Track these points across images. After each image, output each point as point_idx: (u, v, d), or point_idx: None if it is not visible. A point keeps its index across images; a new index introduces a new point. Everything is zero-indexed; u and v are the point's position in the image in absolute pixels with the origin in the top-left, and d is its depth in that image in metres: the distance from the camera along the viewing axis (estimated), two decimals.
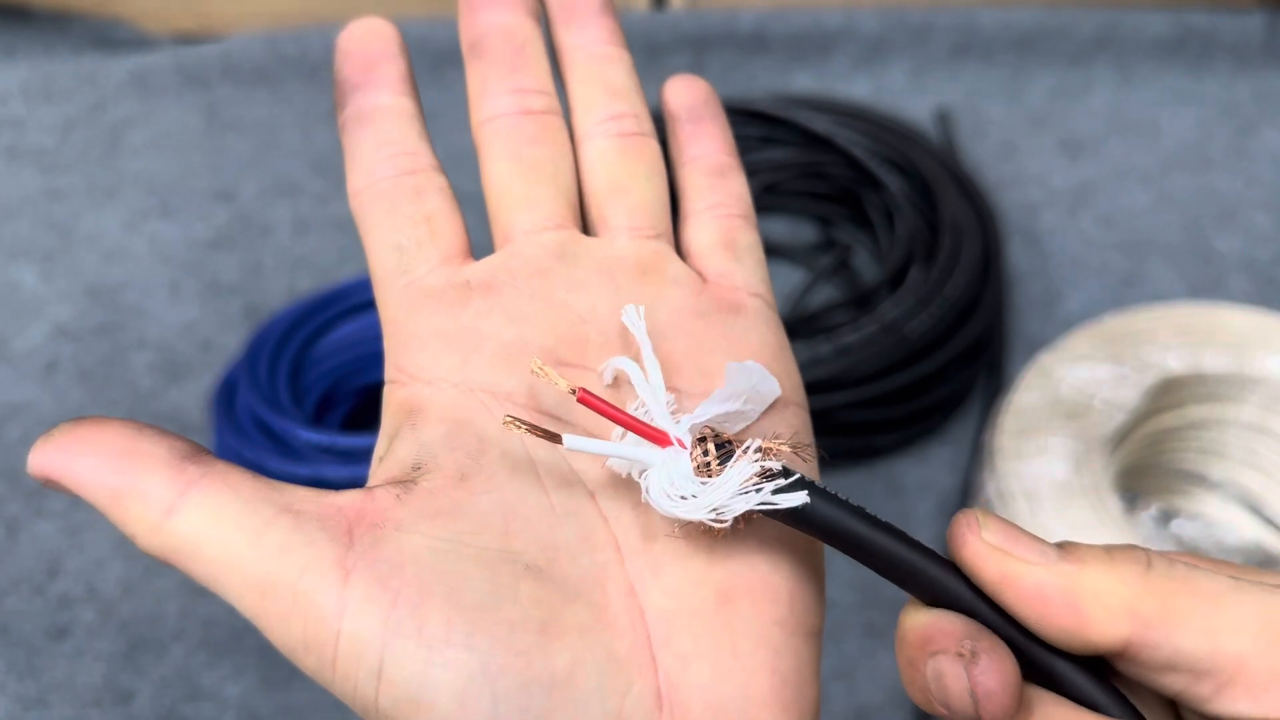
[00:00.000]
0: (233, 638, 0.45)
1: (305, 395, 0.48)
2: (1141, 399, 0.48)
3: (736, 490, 0.21)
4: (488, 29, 0.28)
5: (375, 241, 0.25)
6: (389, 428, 0.23)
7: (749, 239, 0.28)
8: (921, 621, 0.21)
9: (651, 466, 0.22)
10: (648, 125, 0.28)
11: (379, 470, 0.23)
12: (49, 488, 0.21)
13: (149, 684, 0.44)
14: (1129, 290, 0.58)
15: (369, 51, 0.27)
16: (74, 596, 0.47)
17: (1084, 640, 0.20)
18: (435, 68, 0.65)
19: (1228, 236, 0.61)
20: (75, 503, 0.49)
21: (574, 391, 0.22)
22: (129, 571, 0.47)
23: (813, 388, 0.49)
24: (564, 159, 0.27)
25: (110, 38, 0.72)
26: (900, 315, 0.51)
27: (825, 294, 0.58)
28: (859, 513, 0.21)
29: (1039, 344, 0.53)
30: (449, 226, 0.25)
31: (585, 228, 0.27)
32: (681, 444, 0.22)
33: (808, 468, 0.23)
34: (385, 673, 0.20)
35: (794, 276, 0.59)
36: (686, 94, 0.29)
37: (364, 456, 0.43)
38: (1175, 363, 0.49)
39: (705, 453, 0.22)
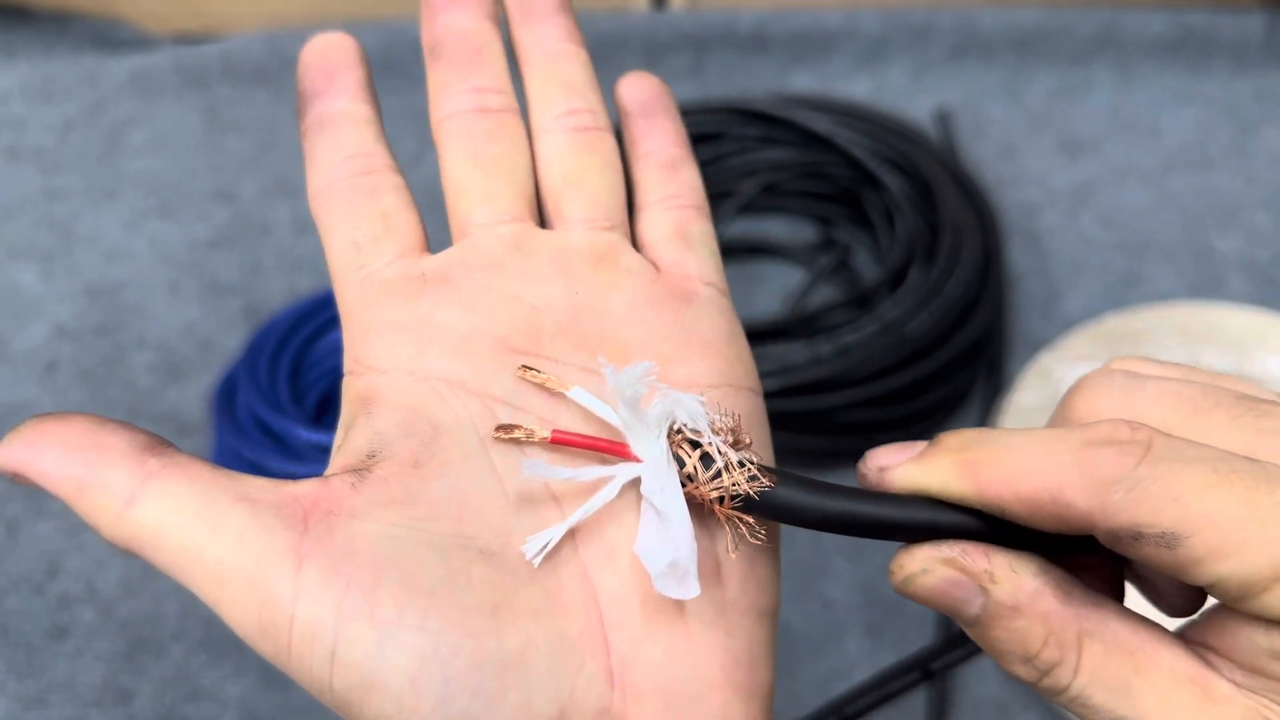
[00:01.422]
0: (233, 637, 0.45)
1: (305, 395, 0.48)
2: None
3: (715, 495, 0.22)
4: (446, 32, 0.28)
5: (333, 239, 0.26)
6: (346, 417, 0.24)
7: (701, 228, 0.28)
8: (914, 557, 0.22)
9: (639, 473, 0.22)
10: (604, 120, 0.29)
11: (336, 459, 0.23)
12: (17, 483, 0.22)
13: (149, 684, 0.44)
14: (1129, 290, 0.58)
15: (328, 63, 0.28)
16: (74, 596, 0.47)
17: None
18: None
19: (1228, 236, 0.61)
20: None
21: (547, 434, 0.23)
22: (129, 571, 0.47)
23: (813, 388, 0.49)
24: (520, 155, 0.27)
25: (110, 38, 0.72)
26: (900, 315, 0.51)
27: (825, 294, 0.58)
28: (820, 489, 0.22)
29: (1039, 344, 0.53)
30: (404, 222, 0.26)
31: (542, 222, 0.27)
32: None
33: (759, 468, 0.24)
34: (339, 655, 0.20)
35: (794, 276, 0.59)
36: (639, 90, 0.30)
37: None
38: None
39: (682, 462, 0.22)
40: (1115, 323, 0.51)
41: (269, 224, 0.62)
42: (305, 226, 0.62)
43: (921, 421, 0.51)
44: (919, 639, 0.45)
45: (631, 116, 0.30)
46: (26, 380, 0.55)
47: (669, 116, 0.30)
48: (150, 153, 0.66)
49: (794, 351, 0.50)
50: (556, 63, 0.29)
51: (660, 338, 0.25)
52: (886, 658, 0.45)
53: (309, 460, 0.43)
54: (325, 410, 0.49)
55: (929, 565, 0.21)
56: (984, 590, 0.21)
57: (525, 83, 0.29)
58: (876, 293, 0.54)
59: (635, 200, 0.29)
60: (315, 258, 0.60)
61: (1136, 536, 0.19)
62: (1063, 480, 0.20)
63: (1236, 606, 0.20)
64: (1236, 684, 0.20)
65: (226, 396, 0.47)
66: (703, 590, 0.22)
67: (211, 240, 0.61)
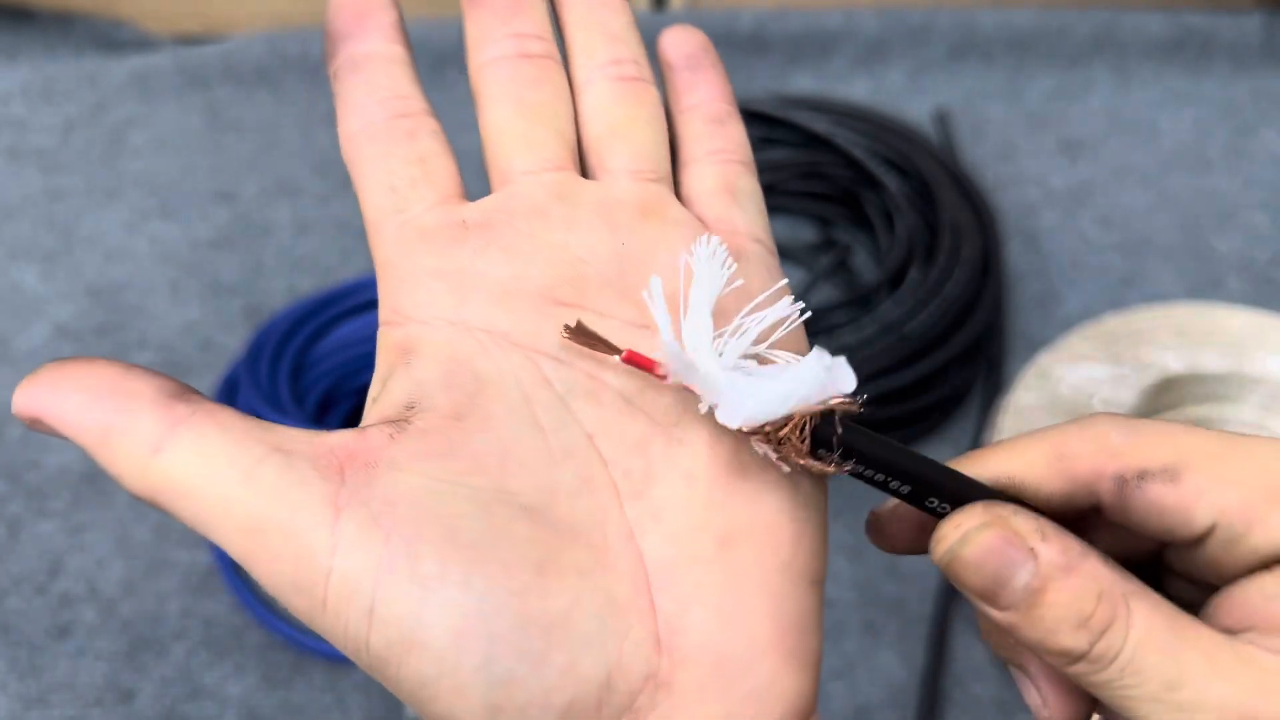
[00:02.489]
0: (234, 637, 0.45)
1: (306, 395, 0.48)
2: (1140, 399, 0.48)
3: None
4: None
5: (368, 183, 0.25)
6: (383, 369, 0.23)
7: (749, 184, 0.28)
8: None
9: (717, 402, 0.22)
10: (647, 72, 0.28)
11: (372, 410, 0.22)
12: (35, 429, 0.21)
13: (150, 683, 0.44)
14: (1128, 290, 0.58)
15: (360, 4, 0.27)
16: (75, 596, 0.47)
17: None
18: (435, 68, 0.65)
19: (1226, 237, 0.61)
20: (77, 502, 0.49)
21: (620, 351, 0.22)
22: (130, 571, 0.47)
23: None
24: (563, 103, 0.27)
25: (112, 38, 0.72)
26: (900, 315, 0.51)
27: (825, 294, 0.58)
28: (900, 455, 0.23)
29: (1038, 344, 0.53)
30: (443, 168, 0.25)
31: (584, 174, 0.26)
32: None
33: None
34: (377, 612, 0.19)
35: (794, 276, 0.59)
36: (684, 43, 0.29)
37: None
38: (1174, 363, 0.49)
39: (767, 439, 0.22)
40: (1114, 323, 0.51)
41: (270, 224, 0.62)
42: (306, 226, 0.62)
43: (921, 421, 0.52)
44: (918, 638, 0.45)
45: (675, 69, 0.29)
46: None
47: (715, 70, 0.29)
48: (151, 153, 0.66)
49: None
50: (598, 12, 0.28)
51: None
52: (886, 657, 0.45)
53: None
54: (326, 410, 0.49)
55: (980, 521, 0.21)
56: (1034, 552, 0.21)
57: (565, 32, 0.28)
58: (876, 293, 0.54)
59: (679, 154, 0.28)
60: (316, 258, 0.60)
61: (1141, 476, 0.21)
62: (1065, 440, 0.22)
63: (1238, 547, 0.21)
64: (1271, 650, 0.20)
65: (227, 397, 0.47)
66: (753, 554, 0.22)
67: (212, 240, 0.61)
